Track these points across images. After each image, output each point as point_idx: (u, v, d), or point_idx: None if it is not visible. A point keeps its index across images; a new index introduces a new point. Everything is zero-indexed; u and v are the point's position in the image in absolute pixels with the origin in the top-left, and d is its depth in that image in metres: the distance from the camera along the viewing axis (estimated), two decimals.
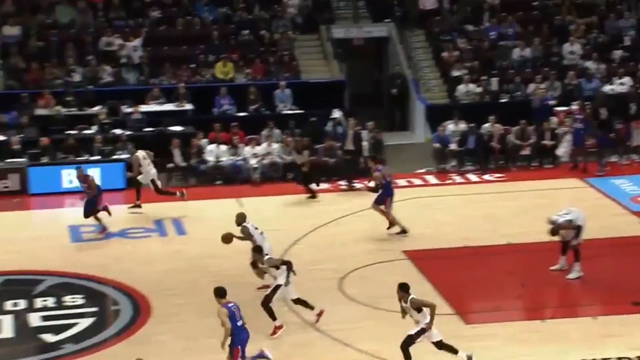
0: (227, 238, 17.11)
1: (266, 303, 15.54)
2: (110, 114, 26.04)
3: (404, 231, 20.35)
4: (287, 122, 26.14)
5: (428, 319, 14.10)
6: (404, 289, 14.35)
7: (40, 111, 25.93)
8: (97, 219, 20.57)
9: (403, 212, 21.27)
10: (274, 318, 15.58)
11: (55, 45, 27.98)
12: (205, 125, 25.72)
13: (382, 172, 20.59)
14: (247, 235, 17.24)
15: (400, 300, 14.39)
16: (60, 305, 16.98)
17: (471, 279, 18.18)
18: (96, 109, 26.08)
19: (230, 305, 13.74)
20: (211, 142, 25.28)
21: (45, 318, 16.49)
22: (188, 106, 26.85)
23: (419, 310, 14.18)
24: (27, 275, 18.38)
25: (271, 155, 25.21)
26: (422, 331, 14.15)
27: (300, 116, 26.58)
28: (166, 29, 29.27)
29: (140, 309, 16.82)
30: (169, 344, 15.29)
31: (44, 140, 24.37)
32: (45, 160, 24.06)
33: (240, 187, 24.16)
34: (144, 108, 26.35)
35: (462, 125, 26.44)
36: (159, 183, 22.18)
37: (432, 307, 14.15)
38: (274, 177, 24.71)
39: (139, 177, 22.04)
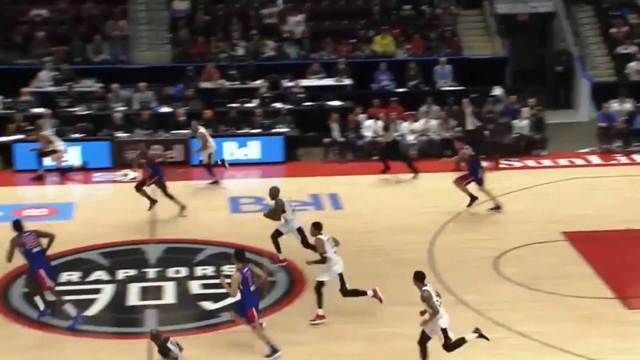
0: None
1: (346, 294, 15.20)
2: (271, 87, 26.45)
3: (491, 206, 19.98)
4: (447, 98, 25.87)
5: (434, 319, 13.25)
6: (418, 278, 13.43)
7: (204, 84, 26.59)
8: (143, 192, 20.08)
9: (563, 192, 20.69)
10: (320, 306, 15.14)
11: (221, 20, 28.61)
12: (364, 101, 25.75)
13: (468, 152, 20.16)
14: (280, 209, 17.14)
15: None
16: (219, 274, 17.37)
17: (634, 263, 17.54)
18: (258, 82, 26.53)
19: (244, 271, 13.91)
20: (369, 118, 25.32)
21: (205, 286, 16.93)
22: (347, 81, 26.95)
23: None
24: (188, 244, 18.93)
25: (429, 132, 25.03)
26: (444, 331, 13.33)
27: (460, 93, 26.24)
28: (329, 3, 29.39)
29: (295, 281, 17.07)
30: None
31: (208, 113, 24.99)
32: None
33: (397, 163, 24.08)
34: (304, 82, 26.62)
35: (628, 105, 25.49)
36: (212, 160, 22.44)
37: (432, 314, 13.25)
38: (431, 153, 24.51)
39: (202, 152, 22.39)
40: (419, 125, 25.11)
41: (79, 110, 25.43)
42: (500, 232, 19.23)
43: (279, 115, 25.18)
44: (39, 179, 22.98)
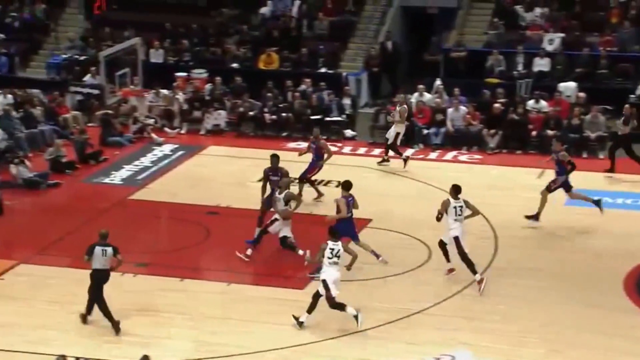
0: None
1: (462, 257, 16.23)
2: None
3: None
4: None
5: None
6: (330, 232, 14.75)
7: None
8: (313, 185, 19.93)
9: None
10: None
11: None
12: None
13: None
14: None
15: None
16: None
17: None
18: None
19: (350, 199, 16.24)
20: None
21: None
22: None
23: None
24: None
25: None
26: (324, 282, 14.58)
27: None
28: None
29: None
30: None
31: None
32: None
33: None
34: None
35: None
36: None
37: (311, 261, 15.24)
38: None
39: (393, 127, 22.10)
40: None
41: None
42: None
43: None
44: None
